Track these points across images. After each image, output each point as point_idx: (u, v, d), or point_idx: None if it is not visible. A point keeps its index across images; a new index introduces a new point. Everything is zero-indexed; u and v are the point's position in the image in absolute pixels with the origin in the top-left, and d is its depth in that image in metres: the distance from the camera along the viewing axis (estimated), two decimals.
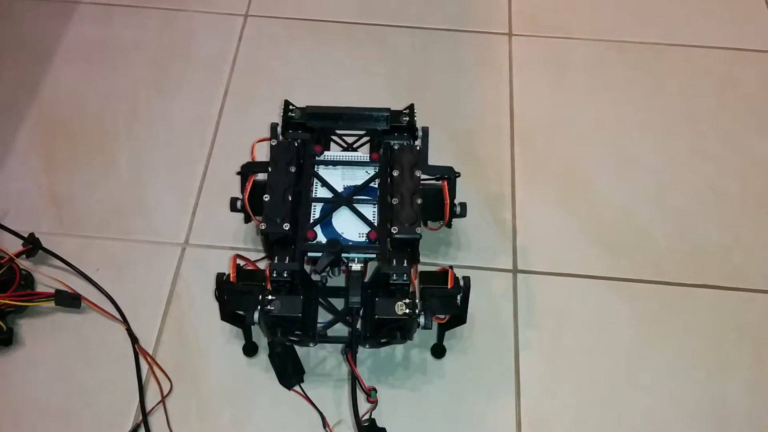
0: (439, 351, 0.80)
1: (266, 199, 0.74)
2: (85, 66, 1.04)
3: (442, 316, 0.75)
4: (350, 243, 0.73)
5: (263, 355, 0.80)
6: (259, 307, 0.70)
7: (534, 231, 0.91)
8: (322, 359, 0.80)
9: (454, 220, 0.82)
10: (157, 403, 0.77)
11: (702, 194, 0.94)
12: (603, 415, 0.79)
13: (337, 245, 0.71)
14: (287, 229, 0.72)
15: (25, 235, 0.85)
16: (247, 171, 0.79)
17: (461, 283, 0.73)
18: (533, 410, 0.78)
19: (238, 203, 0.79)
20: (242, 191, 0.79)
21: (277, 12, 1.11)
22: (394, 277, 0.70)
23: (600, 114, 1.02)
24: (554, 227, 0.91)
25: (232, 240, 0.88)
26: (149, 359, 0.80)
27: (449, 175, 0.79)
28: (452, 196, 0.79)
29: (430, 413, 0.78)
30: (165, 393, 0.78)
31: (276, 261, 0.71)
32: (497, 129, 0.99)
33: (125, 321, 0.82)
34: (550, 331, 0.83)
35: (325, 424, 0.76)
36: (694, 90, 1.04)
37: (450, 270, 0.75)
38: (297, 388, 0.78)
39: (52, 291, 0.81)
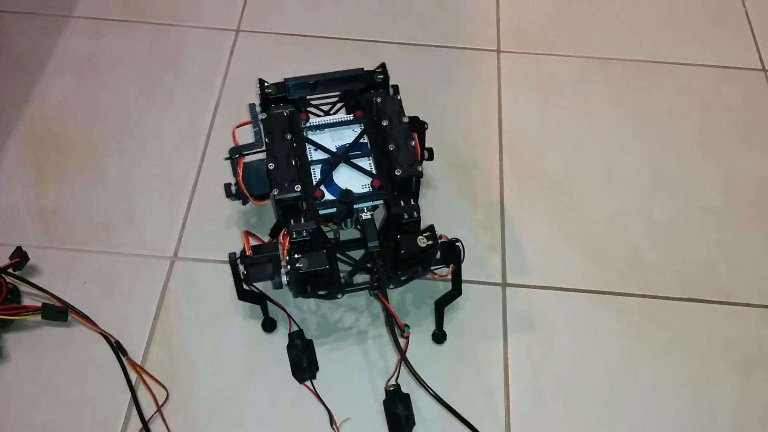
0: (440, 337, 0.83)
1: (271, 168, 0.76)
2: (76, 79, 1.04)
3: (445, 270, 0.80)
4: (358, 194, 0.77)
5: (253, 371, 0.80)
6: (288, 267, 0.72)
7: (523, 244, 0.91)
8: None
9: None
10: (154, 413, 0.77)
11: (687, 209, 0.95)
12: (592, 430, 0.79)
13: (351, 194, 0.75)
14: (299, 190, 0.75)
15: (13, 248, 0.84)
16: (236, 152, 0.81)
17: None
18: (523, 424, 0.78)
19: (233, 188, 0.82)
20: (234, 174, 0.81)
21: (269, 27, 1.12)
22: (406, 217, 0.75)
23: (587, 129, 1.03)
24: (543, 241, 0.92)
25: (221, 253, 0.88)
26: (138, 370, 0.79)
27: (419, 126, 0.85)
28: (422, 143, 0.86)
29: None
30: (161, 402, 0.77)
31: (293, 224, 0.74)
32: (486, 143, 1.00)
33: (112, 335, 0.81)
34: (539, 345, 0.84)
35: (332, 421, 0.77)
36: (678, 106, 1.06)
37: (443, 235, 0.79)
38: (308, 383, 0.79)
39: (39, 304, 0.80)
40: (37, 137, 0.98)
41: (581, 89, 1.07)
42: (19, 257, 0.84)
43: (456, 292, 0.82)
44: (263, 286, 0.80)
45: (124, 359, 0.80)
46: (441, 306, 0.83)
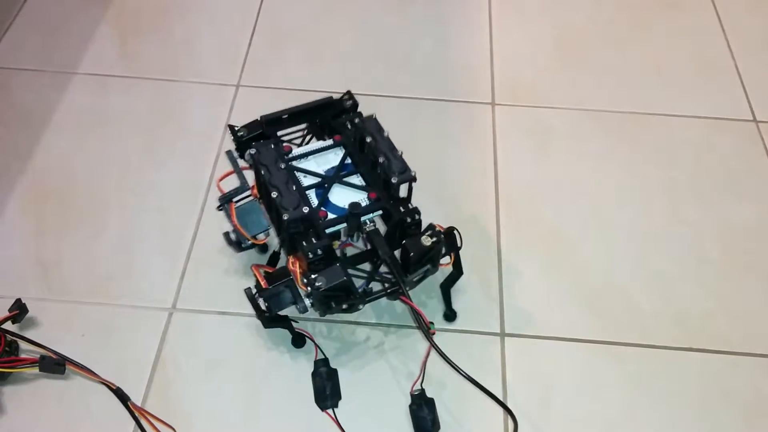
0: (450, 316, 0.88)
1: (275, 196, 0.78)
2: (78, 134, 1.06)
3: (447, 259, 0.83)
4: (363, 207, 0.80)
5: (255, 421, 0.80)
6: (309, 289, 0.74)
7: (520, 294, 0.91)
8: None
9: None
10: None
11: (683, 259, 0.96)
12: None
13: (359, 206, 0.78)
14: (307, 211, 0.77)
15: (12, 300, 0.84)
16: (226, 199, 0.83)
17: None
18: None
19: (232, 235, 0.84)
20: (229, 220, 0.83)
21: (268, 82, 1.14)
22: (408, 220, 0.79)
23: (581, 179, 1.04)
24: (540, 290, 0.92)
25: (219, 304, 0.88)
26: (143, 412, 0.78)
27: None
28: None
29: None
30: None
31: (306, 245, 0.76)
32: (483, 194, 1.02)
33: (113, 383, 0.80)
34: (538, 397, 0.83)
35: None
36: (671, 157, 1.07)
37: (438, 225, 0.81)
38: (330, 411, 0.79)
39: (36, 357, 0.80)
40: (40, 191, 0.99)
41: (575, 140, 1.09)
42: (18, 309, 0.84)
43: (458, 272, 0.85)
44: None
45: (128, 404, 0.79)
46: (446, 287, 0.88)
